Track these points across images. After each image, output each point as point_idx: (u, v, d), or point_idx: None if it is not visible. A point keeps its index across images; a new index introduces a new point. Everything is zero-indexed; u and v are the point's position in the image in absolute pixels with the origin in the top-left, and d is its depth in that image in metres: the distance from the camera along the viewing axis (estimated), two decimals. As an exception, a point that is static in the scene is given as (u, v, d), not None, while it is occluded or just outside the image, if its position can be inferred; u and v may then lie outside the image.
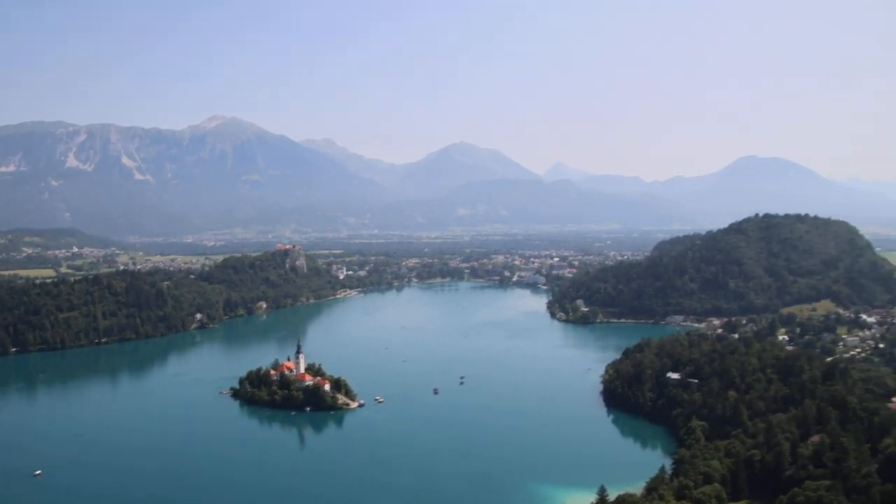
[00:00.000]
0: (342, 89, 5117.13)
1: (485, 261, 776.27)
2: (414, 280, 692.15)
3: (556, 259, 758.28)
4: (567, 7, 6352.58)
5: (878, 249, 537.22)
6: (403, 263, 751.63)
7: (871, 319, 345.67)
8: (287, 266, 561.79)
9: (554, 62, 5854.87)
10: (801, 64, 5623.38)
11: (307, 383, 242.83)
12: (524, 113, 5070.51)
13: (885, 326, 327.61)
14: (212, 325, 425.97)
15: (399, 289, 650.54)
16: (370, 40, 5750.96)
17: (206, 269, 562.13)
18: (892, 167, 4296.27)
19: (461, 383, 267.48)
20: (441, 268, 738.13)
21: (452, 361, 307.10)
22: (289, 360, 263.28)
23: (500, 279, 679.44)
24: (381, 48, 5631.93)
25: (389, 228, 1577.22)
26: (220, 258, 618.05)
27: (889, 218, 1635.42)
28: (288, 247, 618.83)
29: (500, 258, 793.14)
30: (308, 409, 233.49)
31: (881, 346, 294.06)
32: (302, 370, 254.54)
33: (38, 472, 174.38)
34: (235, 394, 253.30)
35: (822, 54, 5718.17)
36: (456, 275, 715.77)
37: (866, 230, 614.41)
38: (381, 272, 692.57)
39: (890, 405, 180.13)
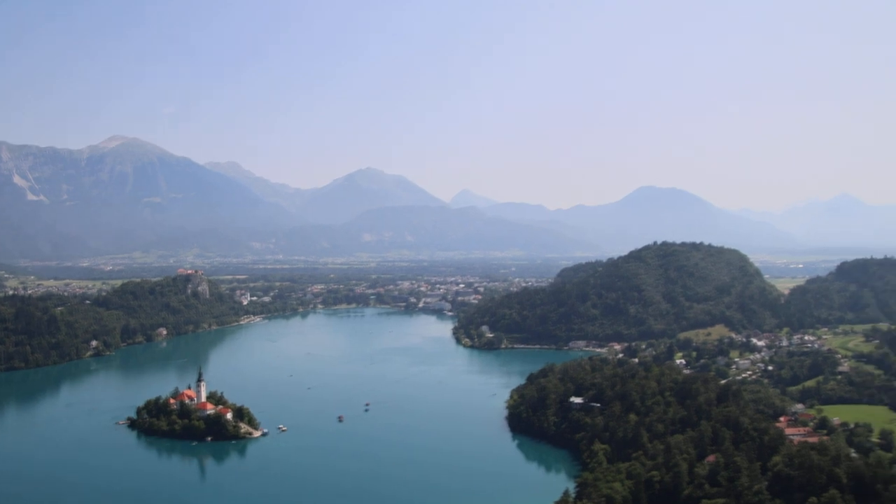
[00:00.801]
0: (247, 111, 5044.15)
1: (391, 287, 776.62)
2: (319, 306, 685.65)
3: (462, 285, 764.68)
4: (471, 37, 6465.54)
5: (766, 276, 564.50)
6: (309, 289, 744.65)
7: (760, 343, 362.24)
8: (189, 291, 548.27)
9: (459, 89, 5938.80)
10: (695, 99, 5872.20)
11: (208, 412, 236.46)
12: (431, 139, 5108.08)
13: (773, 350, 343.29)
14: (108, 353, 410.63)
15: (304, 315, 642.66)
16: (274, 63, 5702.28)
17: (104, 294, 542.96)
18: (779, 199, 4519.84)
19: (366, 410, 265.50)
20: (347, 294, 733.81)
21: (358, 388, 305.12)
22: (189, 388, 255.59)
23: (406, 305, 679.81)
24: (287, 71, 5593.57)
25: (295, 254, 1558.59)
26: (118, 283, 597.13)
27: (776, 247, 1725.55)
28: (190, 272, 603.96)
29: (406, 284, 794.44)
30: (209, 438, 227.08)
31: (770, 368, 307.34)
32: (203, 398, 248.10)
33: None
34: (132, 424, 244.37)
35: (715, 91, 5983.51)
36: (362, 301, 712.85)
37: (756, 258, 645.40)
38: (286, 298, 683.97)
39: (778, 424, 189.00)
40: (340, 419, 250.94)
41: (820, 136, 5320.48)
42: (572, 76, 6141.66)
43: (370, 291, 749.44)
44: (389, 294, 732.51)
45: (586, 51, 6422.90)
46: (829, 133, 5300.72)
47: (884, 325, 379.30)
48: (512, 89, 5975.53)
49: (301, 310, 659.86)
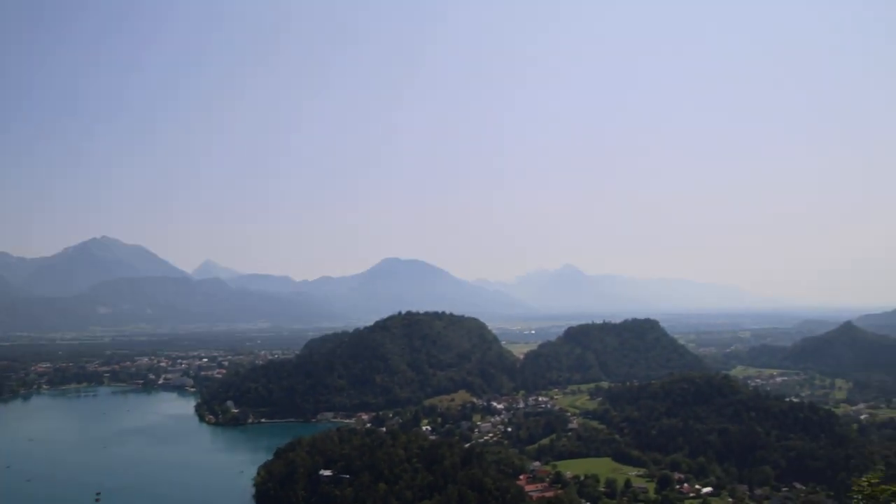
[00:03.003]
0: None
1: (128, 363, 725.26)
2: (45, 387, 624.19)
3: (205, 360, 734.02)
4: (219, 98, 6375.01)
5: (503, 342, 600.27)
6: (32, 369, 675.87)
7: (500, 406, 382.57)
8: None
9: (200, 156, 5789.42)
10: (437, 175, 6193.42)
11: None
12: (172, 208, 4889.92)
13: (512, 412, 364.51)
14: None
15: (26, 397, 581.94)
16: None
17: None
18: (511, 269, 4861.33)
19: (97, 501, 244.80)
20: (77, 372, 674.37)
21: (88, 476, 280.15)
22: None
23: (145, 382, 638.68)
24: (14, 123, 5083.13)
25: (16, 329, 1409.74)
26: None
27: (511, 314, 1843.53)
28: None
29: (145, 360, 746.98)
30: None
31: (509, 429, 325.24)
32: None
33: None
34: None
35: (456, 168, 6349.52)
36: (95, 379, 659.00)
37: (493, 325, 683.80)
38: (5, 379, 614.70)
39: (518, 482, 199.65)
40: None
41: (547, 213, 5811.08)
42: (317, 147, 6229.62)
43: (104, 369, 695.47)
44: (126, 371, 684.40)
45: (337, 122, 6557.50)
46: (556, 211, 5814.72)
47: (605, 384, 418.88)
48: (253, 158, 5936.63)
49: (23, 391, 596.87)
